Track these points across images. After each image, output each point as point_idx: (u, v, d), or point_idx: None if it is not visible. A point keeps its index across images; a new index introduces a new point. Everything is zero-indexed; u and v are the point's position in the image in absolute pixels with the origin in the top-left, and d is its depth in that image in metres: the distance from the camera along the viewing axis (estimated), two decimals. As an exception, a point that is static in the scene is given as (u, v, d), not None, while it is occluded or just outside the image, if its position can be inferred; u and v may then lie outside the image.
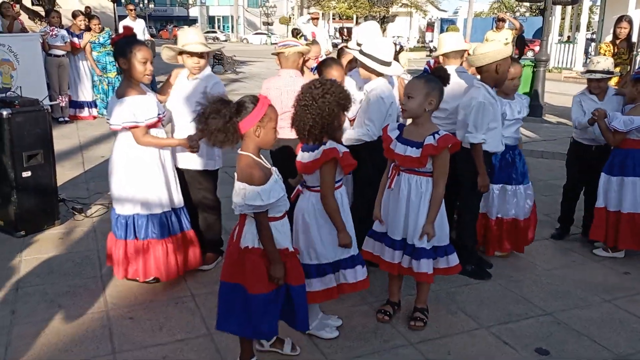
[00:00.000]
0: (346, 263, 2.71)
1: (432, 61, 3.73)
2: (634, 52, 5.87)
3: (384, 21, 35.33)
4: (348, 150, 2.62)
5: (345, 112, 2.60)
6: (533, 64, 10.65)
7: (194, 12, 64.68)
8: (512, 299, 3.36)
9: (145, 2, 43.19)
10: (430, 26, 44.53)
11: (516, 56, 9.65)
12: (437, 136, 2.73)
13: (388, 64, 3.34)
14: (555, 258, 4.01)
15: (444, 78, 2.77)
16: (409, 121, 2.91)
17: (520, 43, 10.98)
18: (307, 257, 2.68)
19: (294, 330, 2.66)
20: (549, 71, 10.83)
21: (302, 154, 2.63)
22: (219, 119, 2.19)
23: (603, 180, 3.94)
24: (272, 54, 3.90)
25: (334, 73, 3.54)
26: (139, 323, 2.96)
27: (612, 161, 3.91)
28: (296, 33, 5.86)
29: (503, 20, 8.57)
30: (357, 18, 42.75)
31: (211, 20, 66.34)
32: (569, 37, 24.66)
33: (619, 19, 6.65)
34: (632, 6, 15.59)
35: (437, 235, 2.84)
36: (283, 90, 3.53)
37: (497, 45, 3.45)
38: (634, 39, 6.38)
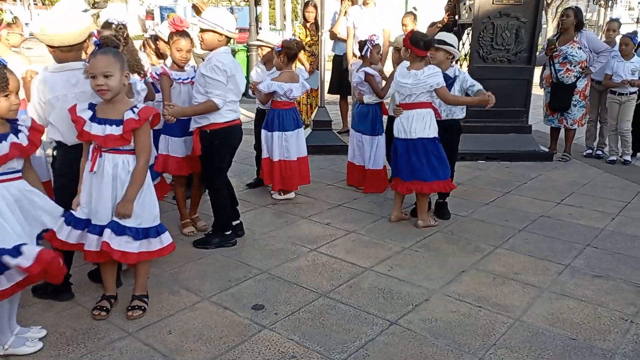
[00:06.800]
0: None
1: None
2: (320, 32, 6.68)
3: (94, 6, 32.54)
4: None
5: None
6: (246, 49, 11.50)
7: None
8: (232, 265, 3.49)
9: None
10: (149, 14, 42.94)
11: None
12: (136, 109, 2.65)
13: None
14: (271, 221, 4.33)
15: (117, 46, 2.65)
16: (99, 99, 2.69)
17: None
18: None
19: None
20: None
21: None
22: None
23: (264, 135, 4.72)
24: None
25: None
26: None
27: (267, 119, 4.73)
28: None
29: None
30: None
31: None
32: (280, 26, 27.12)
33: (306, 4, 7.48)
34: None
35: (145, 216, 2.74)
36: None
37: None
38: (320, 21, 7.23)
